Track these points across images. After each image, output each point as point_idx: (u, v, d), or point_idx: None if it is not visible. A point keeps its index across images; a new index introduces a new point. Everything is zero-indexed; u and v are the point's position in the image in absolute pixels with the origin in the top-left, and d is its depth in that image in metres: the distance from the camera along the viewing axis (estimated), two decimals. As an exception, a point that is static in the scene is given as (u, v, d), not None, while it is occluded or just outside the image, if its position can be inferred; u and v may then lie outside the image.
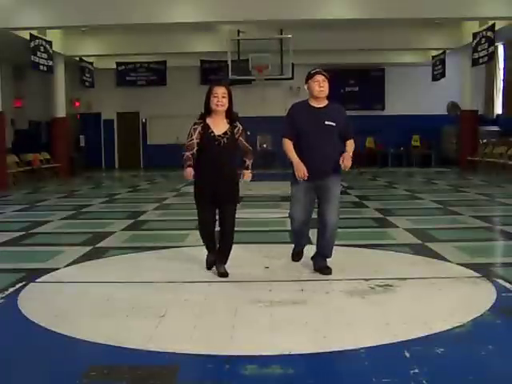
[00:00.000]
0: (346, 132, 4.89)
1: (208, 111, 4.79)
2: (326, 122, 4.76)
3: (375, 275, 4.91)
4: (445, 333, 3.56)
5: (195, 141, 4.71)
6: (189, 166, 4.62)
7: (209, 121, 4.78)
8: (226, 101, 4.73)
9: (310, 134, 4.77)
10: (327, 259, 5.02)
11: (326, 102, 4.89)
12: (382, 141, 20.31)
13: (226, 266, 4.98)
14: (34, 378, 3.09)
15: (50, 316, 3.98)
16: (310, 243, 5.47)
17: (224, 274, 4.90)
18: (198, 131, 4.74)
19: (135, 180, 16.54)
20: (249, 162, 4.96)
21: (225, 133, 4.77)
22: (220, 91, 4.72)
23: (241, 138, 4.85)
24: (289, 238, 6.53)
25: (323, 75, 4.80)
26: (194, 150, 4.71)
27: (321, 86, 4.77)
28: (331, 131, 4.78)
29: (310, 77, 4.84)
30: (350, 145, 4.88)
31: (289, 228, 5.36)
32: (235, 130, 4.82)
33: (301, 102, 5.02)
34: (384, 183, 14.30)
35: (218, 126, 4.77)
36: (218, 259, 5.00)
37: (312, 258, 5.14)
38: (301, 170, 4.71)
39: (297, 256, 5.31)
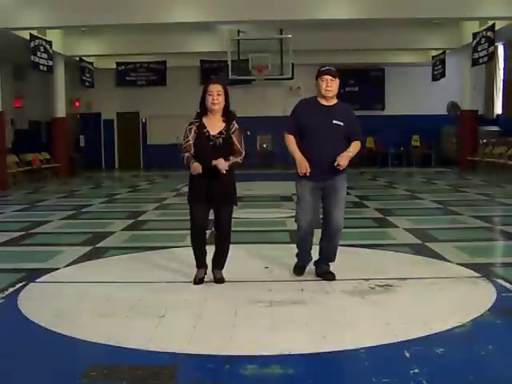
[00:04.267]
0: (354, 133, 4.71)
1: (204, 110, 4.65)
2: (334, 121, 4.62)
3: (375, 275, 4.90)
4: (445, 333, 3.56)
5: (191, 141, 4.58)
6: (194, 162, 4.50)
7: (205, 120, 4.63)
8: (221, 98, 4.56)
9: (316, 131, 4.62)
10: (331, 263, 4.91)
11: (335, 101, 4.74)
12: (382, 141, 20.29)
13: (223, 269, 4.84)
14: (34, 378, 3.09)
15: (50, 316, 3.98)
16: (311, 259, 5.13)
17: (220, 280, 4.76)
18: (193, 131, 4.61)
19: (135, 180, 16.53)
20: (233, 159, 4.58)
21: (220, 132, 4.59)
22: (215, 89, 4.55)
23: (233, 136, 4.62)
24: (289, 238, 6.53)
25: (331, 75, 4.63)
26: (192, 152, 4.57)
27: (328, 85, 4.61)
28: (338, 131, 4.63)
29: (318, 74, 4.68)
30: (355, 145, 4.69)
31: (288, 228, 5.34)
32: (230, 127, 4.63)
33: (309, 98, 4.85)
34: (384, 183, 14.29)
35: (214, 125, 4.60)
36: (214, 264, 4.84)
37: (315, 263, 4.99)
38: (303, 165, 4.59)
39: (299, 271, 4.98)
